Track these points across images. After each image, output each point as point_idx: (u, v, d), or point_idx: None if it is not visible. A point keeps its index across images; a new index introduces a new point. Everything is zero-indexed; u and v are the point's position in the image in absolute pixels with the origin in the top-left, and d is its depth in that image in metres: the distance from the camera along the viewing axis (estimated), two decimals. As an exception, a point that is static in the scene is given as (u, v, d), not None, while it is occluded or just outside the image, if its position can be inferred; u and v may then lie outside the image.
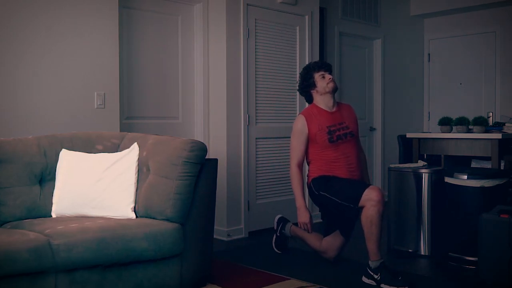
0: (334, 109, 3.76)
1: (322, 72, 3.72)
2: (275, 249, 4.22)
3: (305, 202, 3.66)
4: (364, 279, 3.46)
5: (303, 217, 3.62)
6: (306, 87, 3.77)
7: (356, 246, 4.50)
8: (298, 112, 5.17)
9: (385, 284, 3.34)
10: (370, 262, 3.44)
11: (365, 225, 3.39)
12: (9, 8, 3.67)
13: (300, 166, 3.67)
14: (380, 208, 3.35)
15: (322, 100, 3.73)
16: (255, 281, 3.45)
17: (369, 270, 3.44)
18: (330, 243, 3.84)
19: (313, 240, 3.94)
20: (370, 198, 3.35)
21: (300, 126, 3.65)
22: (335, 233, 3.85)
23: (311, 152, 3.69)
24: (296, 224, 4.02)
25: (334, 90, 3.72)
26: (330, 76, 3.73)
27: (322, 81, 3.71)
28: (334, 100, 3.77)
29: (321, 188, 3.59)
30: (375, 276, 3.39)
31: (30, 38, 3.76)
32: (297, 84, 3.92)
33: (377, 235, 3.39)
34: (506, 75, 6.88)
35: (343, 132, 3.67)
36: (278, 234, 4.22)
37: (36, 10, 3.79)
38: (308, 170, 3.75)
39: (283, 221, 4.24)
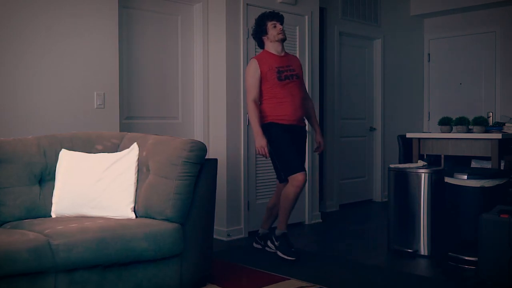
0: (283, 54, 4.18)
1: (274, 22, 4.14)
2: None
3: (261, 130, 4.00)
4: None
5: (260, 141, 3.98)
6: (259, 33, 4.19)
7: (356, 246, 4.50)
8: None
9: (280, 252, 3.99)
10: (276, 231, 4.10)
11: (282, 198, 4.06)
12: (9, 8, 3.67)
13: (256, 101, 4.07)
14: (298, 191, 3.99)
15: (272, 46, 4.15)
16: (255, 281, 3.45)
17: (272, 237, 4.17)
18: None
19: (275, 200, 4.24)
20: (296, 179, 3.95)
21: (253, 67, 4.08)
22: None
23: (262, 90, 4.09)
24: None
25: (282, 40, 4.15)
26: (281, 27, 4.14)
27: (273, 30, 4.13)
28: (283, 48, 4.19)
29: (269, 140, 4.03)
30: (276, 243, 4.10)
31: (30, 38, 3.76)
32: (252, 29, 4.29)
33: (287, 209, 4.05)
34: (506, 75, 6.88)
35: (290, 73, 4.11)
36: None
37: (36, 10, 3.79)
38: (261, 111, 4.09)
39: (264, 236, 4.32)
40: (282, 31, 4.13)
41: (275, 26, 4.12)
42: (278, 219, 4.11)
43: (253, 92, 4.07)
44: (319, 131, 4.38)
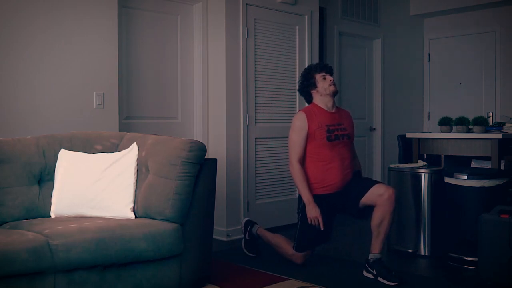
0: (334, 110, 3.80)
1: (324, 74, 3.76)
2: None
3: (312, 197, 3.63)
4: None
5: (313, 212, 3.61)
6: (307, 87, 3.81)
7: (356, 246, 4.50)
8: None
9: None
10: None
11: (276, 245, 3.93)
12: (9, 9, 3.67)
13: (301, 162, 3.69)
14: (291, 260, 3.80)
15: (322, 101, 3.76)
16: (255, 282, 3.44)
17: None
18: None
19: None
20: (296, 256, 3.76)
21: (301, 121, 3.68)
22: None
23: (308, 149, 3.71)
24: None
25: (334, 93, 3.75)
26: (331, 78, 3.76)
27: (323, 82, 3.74)
28: (334, 102, 3.81)
29: (301, 211, 3.72)
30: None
31: (29, 38, 3.75)
32: (298, 84, 3.94)
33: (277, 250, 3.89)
34: (506, 75, 6.87)
35: (341, 133, 3.71)
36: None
37: (36, 10, 3.78)
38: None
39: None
40: (333, 83, 3.75)
41: (324, 78, 3.74)
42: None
43: (298, 151, 3.67)
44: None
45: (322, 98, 3.76)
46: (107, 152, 3.36)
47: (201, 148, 3.16)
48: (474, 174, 3.80)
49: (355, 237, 4.88)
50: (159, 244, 2.92)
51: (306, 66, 5.29)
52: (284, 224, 5.03)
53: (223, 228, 4.73)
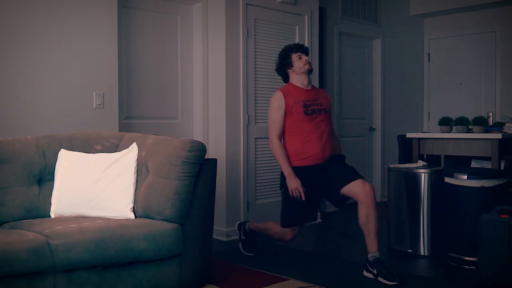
0: (310, 87, 3.94)
1: (299, 54, 3.92)
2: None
3: (292, 170, 3.74)
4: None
5: (293, 183, 3.72)
6: (284, 67, 3.96)
7: (356, 246, 4.50)
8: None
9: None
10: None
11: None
12: (9, 9, 3.66)
13: (280, 138, 3.85)
14: (278, 240, 3.99)
15: (298, 79, 3.92)
16: (255, 282, 3.44)
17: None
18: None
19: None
20: (284, 232, 3.90)
21: (278, 100, 3.84)
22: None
23: (287, 125, 3.84)
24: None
25: (309, 71, 3.92)
26: (307, 58, 3.92)
27: (299, 62, 3.90)
28: (309, 81, 3.95)
29: (283, 185, 3.85)
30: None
31: (29, 39, 3.75)
32: (275, 64, 4.05)
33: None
34: (506, 75, 6.87)
35: (317, 107, 3.86)
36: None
37: (36, 10, 3.78)
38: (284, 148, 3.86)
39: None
40: (309, 62, 3.90)
41: (300, 58, 3.89)
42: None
43: (277, 127, 3.81)
44: None
45: (298, 76, 3.91)
46: (107, 152, 3.36)
47: (201, 148, 3.15)
48: (474, 174, 3.80)
49: (355, 237, 4.88)
50: (159, 244, 2.92)
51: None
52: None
53: (223, 228, 4.72)
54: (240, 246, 4.21)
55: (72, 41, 3.94)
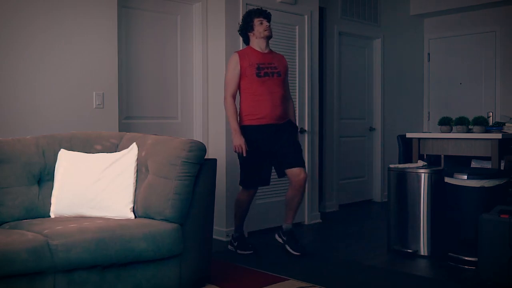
0: (267, 51, 4.18)
1: (261, 19, 4.14)
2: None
3: (239, 128, 4.05)
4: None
5: (237, 140, 4.03)
6: (245, 29, 4.20)
7: (356, 247, 4.50)
8: (297, 112, 5.16)
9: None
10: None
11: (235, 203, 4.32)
12: (9, 9, 3.66)
13: (234, 97, 4.12)
14: (240, 201, 4.25)
15: (257, 43, 4.16)
16: (254, 282, 3.44)
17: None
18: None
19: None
20: (242, 192, 4.24)
21: (233, 61, 4.11)
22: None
23: (241, 86, 4.12)
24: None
25: (268, 37, 4.15)
26: (268, 24, 4.14)
27: (260, 27, 4.13)
28: (267, 45, 4.19)
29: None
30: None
31: (29, 39, 3.75)
32: (239, 25, 4.30)
33: (236, 215, 4.31)
34: (506, 75, 6.87)
35: (270, 70, 4.11)
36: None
37: (36, 10, 3.78)
38: (239, 109, 4.16)
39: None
40: (269, 28, 4.14)
41: (261, 23, 4.12)
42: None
43: (231, 87, 4.11)
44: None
45: (257, 40, 4.15)
46: (107, 152, 3.36)
47: (201, 148, 3.15)
48: (474, 174, 3.80)
49: (355, 237, 4.88)
50: (159, 244, 2.91)
51: (306, 65, 5.33)
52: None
53: (223, 228, 4.72)
54: (235, 247, 4.27)
55: (72, 41, 3.94)
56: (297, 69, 5.26)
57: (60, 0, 3.88)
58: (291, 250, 4.11)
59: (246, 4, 4.83)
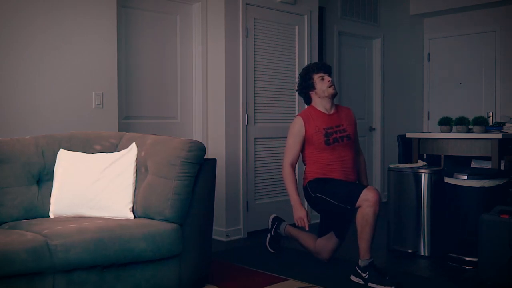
0: (332, 112, 3.74)
1: (321, 74, 3.70)
2: (269, 248, 4.20)
3: (300, 199, 3.65)
4: (353, 277, 3.50)
5: (299, 213, 3.60)
6: (305, 89, 3.75)
7: (356, 247, 4.49)
8: (297, 112, 5.16)
9: (372, 283, 3.37)
10: (360, 261, 3.47)
11: (359, 224, 3.44)
12: (9, 9, 3.66)
13: (293, 166, 3.68)
14: (376, 209, 3.40)
15: (321, 103, 3.72)
16: (254, 282, 3.43)
17: (357, 269, 3.47)
18: (324, 245, 3.85)
19: (307, 240, 3.94)
20: (366, 199, 3.38)
21: (297, 126, 3.66)
22: (329, 235, 3.85)
23: (307, 153, 3.70)
24: (292, 224, 4.02)
25: (333, 96, 3.71)
26: (330, 79, 3.70)
27: (321, 83, 3.69)
28: (333, 103, 3.76)
29: (317, 190, 3.61)
30: (363, 275, 3.42)
31: (29, 39, 3.75)
32: (296, 85, 3.90)
33: (370, 235, 3.45)
34: (506, 75, 6.86)
35: (340, 135, 3.66)
36: (272, 234, 4.20)
37: (36, 10, 3.77)
38: (304, 172, 3.76)
39: (278, 220, 4.22)
40: (333, 84, 3.69)
41: (322, 79, 3.68)
42: (360, 248, 3.51)
43: (292, 154, 3.66)
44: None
45: (320, 100, 3.71)
46: (106, 152, 3.35)
47: (201, 148, 3.15)
48: (474, 174, 3.80)
49: (354, 237, 4.87)
50: (159, 244, 2.91)
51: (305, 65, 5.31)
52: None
53: (223, 228, 4.72)
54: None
55: (72, 41, 3.94)
56: (296, 69, 5.25)
57: (60, 0, 3.88)
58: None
59: (246, 4, 4.83)
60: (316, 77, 3.69)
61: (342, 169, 3.64)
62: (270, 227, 4.24)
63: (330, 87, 3.67)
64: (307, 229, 3.63)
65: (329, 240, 3.83)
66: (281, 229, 4.16)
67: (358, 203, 3.41)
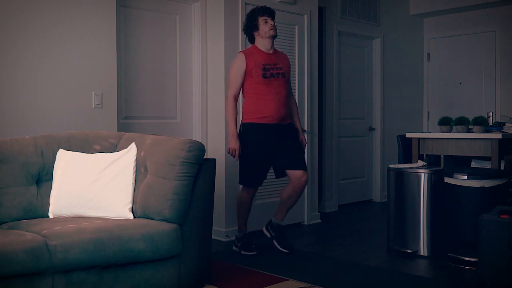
0: (271, 52, 4.14)
1: (266, 17, 4.09)
2: (283, 249, 4.19)
3: (237, 132, 4.06)
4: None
5: (232, 143, 4.04)
6: (249, 29, 4.15)
7: (356, 247, 4.49)
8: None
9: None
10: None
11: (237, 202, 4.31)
12: (9, 10, 3.66)
13: (236, 98, 4.10)
14: (241, 200, 4.22)
15: (262, 43, 4.12)
16: (254, 282, 3.43)
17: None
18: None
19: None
20: (242, 190, 4.22)
21: (239, 61, 4.07)
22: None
23: (246, 86, 4.08)
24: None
25: (273, 37, 4.12)
26: (272, 23, 4.09)
27: (264, 26, 4.08)
28: (273, 45, 4.16)
29: (242, 143, 4.07)
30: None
31: (28, 39, 3.74)
32: (242, 25, 4.28)
33: (239, 215, 4.27)
34: (506, 75, 6.86)
35: (276, 71, 4.08)
36: (273, 234, 4.27)
37: (35, 11, 3.77)
38: (242, 107, 4.19)
39: (268, 223, 4.39)
40: (274, 27, 4.09)
41: (266, 22, 4.08)
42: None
43: (235, 87, 4.08)
44: (300, 129, 4.35)
45: (262, 40, 4.11)
46: (106, 152, 3.35)
47: (200, 148, 3.14)
48: (474, 174, 3.79)
49: (354, 237, 4.87)
50: (158, 245, 2.90)
51: (306, 65, 5.32)
52: (283, 224, 5.01)
53: (222, 229, 4.71)
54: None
55: (71, 41, 3.93)
56: (296, 69, 5.25)
57: (59, 1, 3.87)
58: (279, 247, 4.16)
59: (245, 3, 4.82)
60: (261, 19, 4.09)
61: (276, 100, 4.04)
62: (268, 234, 4.31)
63: (271, 29, 4.08)
64: (236, 158, 4.08)
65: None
66: (273, 221, 4.30)
67: (241, 186, 4.25)
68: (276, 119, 4.06)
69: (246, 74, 4.05)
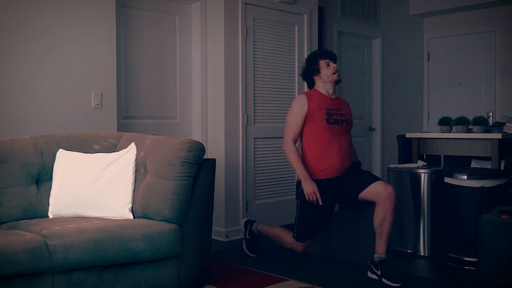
0: (334, 97, 3.82)
1: (327, 61, 3.77)
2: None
3: (307, 173, 3.59)
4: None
5: (309, 187, 3.54)
6: (310, 72, 3.82)
7: (356, 247, 4.49)
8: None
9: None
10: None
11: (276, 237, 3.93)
12: (9, 10, 3.65)
13: (295, 142, 3.69)
14: (292, 249, 3.81)
15: (324, 87, 3.78)
16: (254, 282, 3.43)
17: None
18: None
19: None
20: (296, 244, 3.76)
21: (300, 103, 3.69)
22: None
23: (306, 130, 3.69)
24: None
25: (337, 82, 3.79)
26: (335, 66, 3.78)
27: (327, 69, 3.75)
28: (335, 90, 3.84)
29: (299, 196, 3.66)
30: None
31: (28, 39, 3.74)
32: (301, 69, 3.94)
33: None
34: (506, 75, 6.86)
35: (340, 118, 3.74)
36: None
37: (35, 11, 3.76)
38: (301, 155, 3.72)
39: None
40: (337, 71, 3.76)
41: (328, 65, 3.75)
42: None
43: (294, 130, 3.66)
44: (359, 161, 3.97)
45: (324, 84, 3.77)
46: (105, 152, 3.35)
47: (200, 148, 3.14)
48: (474, 174, 3.79)
49: (354, 237, 4.87)
50: (158, 245, 2.90)
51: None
52: (283, 225, 5.00)
53: (222, 229, 4.71)
54: (244, 245, 4.15)
55: (71, 41, 3.93)
56: (296, 69, 5.24)
57: (59, 1, 3.87)
58: (390, 283, 3.41)
59: (245, 3, 4.82)
60: (322, 63, 3.76)
61: (339, 152, 3.67)
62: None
63: (334, 73, 3.74)
64: (320, 203, 3.55)
65: None
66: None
67: (294, 239, 3.76)
68: (338, 171, 3.66)
69: (308, 118, 3.66)
